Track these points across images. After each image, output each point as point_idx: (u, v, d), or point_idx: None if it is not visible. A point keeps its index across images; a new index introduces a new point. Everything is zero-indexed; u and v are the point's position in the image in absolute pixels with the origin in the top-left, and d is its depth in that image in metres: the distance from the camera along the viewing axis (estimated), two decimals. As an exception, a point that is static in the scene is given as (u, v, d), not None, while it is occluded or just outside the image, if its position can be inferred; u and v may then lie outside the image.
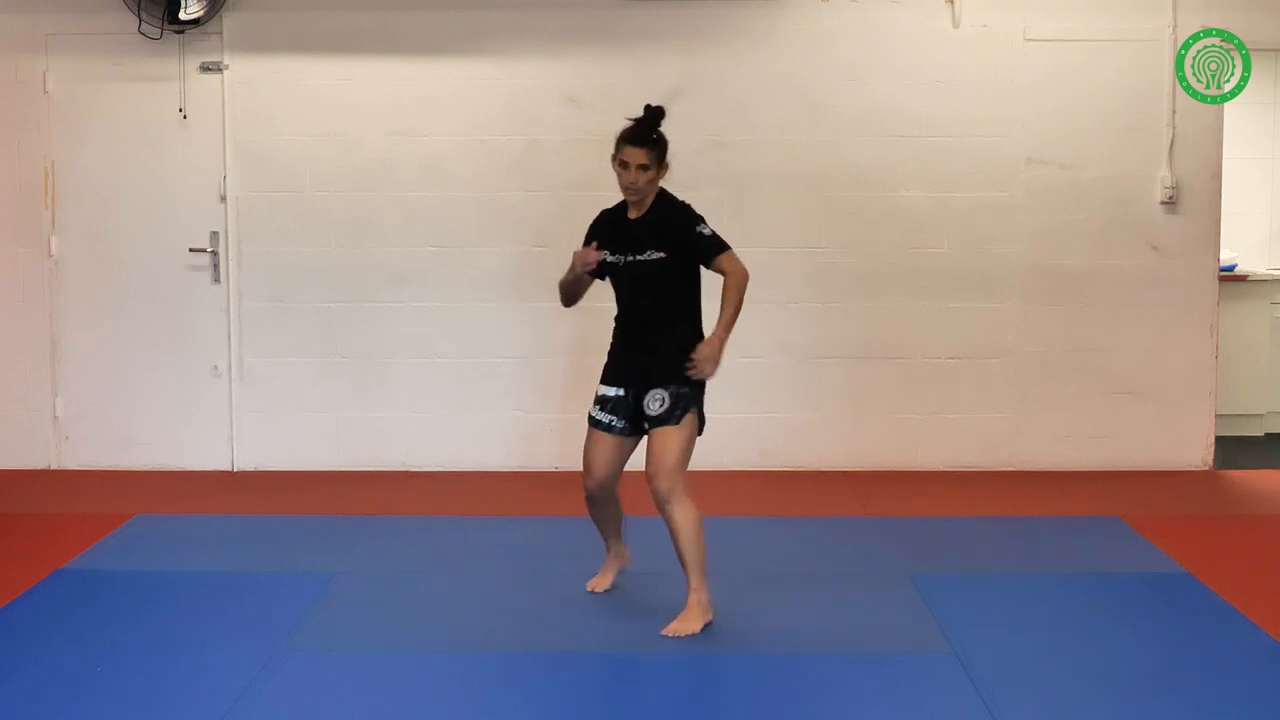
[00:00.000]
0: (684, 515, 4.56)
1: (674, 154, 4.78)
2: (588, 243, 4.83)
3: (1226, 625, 4.69)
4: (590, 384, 6.56)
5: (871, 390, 7.02)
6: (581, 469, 4.83)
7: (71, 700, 4.06)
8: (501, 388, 7.03)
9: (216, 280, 7.01)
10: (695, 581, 4.60)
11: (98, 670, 4.28)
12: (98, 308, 7.04)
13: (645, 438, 4.73)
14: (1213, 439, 7.08)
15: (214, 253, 6.99)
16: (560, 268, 6.85)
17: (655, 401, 4.63)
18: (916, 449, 7.04)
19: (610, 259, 4.75)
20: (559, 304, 7.19)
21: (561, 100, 6.91)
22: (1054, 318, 6.99)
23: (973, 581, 5.17)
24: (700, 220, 4.69)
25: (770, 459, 7.03)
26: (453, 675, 4.28)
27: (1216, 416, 7.11)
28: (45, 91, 6.96)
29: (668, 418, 4.61)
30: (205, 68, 6.92)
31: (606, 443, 4.75)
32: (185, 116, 6.94)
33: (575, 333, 6.87)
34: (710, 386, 5.28)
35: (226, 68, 6.92)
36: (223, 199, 6.97)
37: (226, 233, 6.98)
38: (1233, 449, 7.46)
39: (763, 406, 7.01)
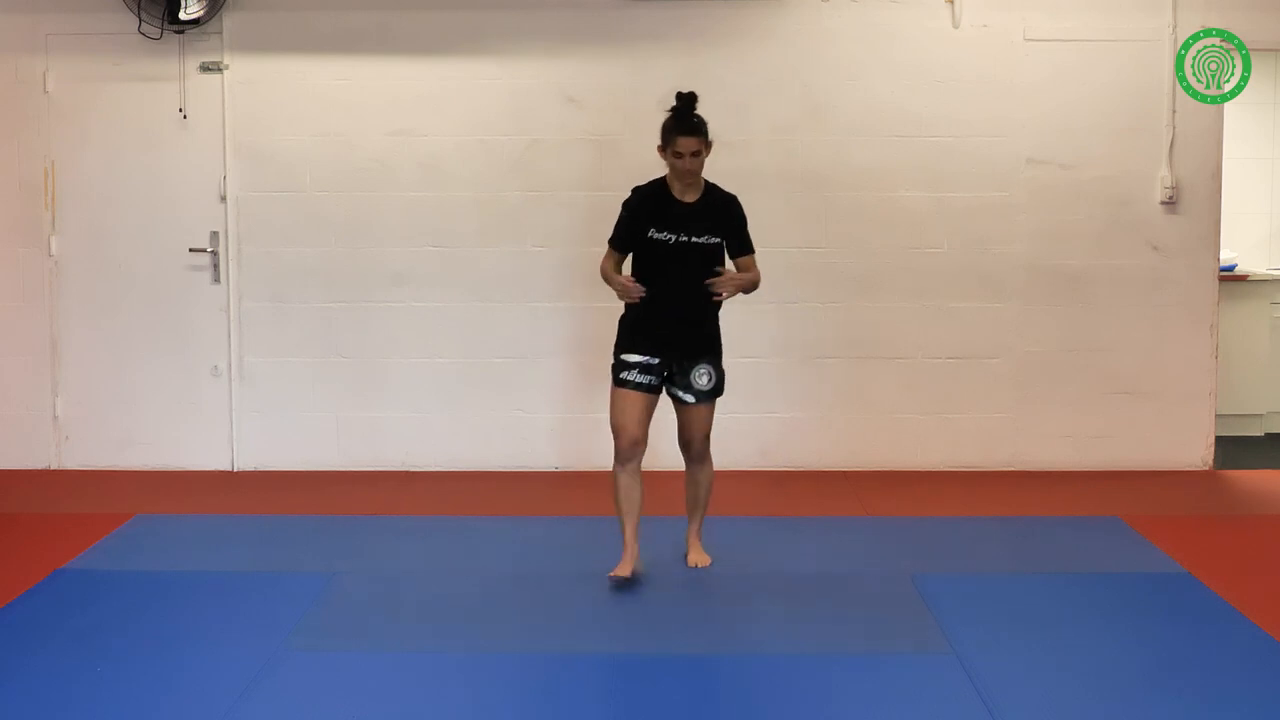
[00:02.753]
0: (710, 471, 5.32)
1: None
2: (630, 217, 5.07)
3: (1226, 625, 4.69)
4: (590, 384, 6.55)
5: (871, 390, 7.02)
6: (613, 434, 5.12)
7: (71, 700, 4.06)
8: (501, 388, 7.02)
9: (216, 280, 7.01)
10: (700, 526, 5.35)
11: (98, 670, 4.28)
12: (98, 308, 7.04)
13: (670, 400, 5.21)
14: (1213, 439, 7.08)
15: (214, 253, 6.99)
16: (560, 267, 6.90)
17: (704, 376, 5.13)
18: (916, 449, 7.04)
19: (657, 236, 5.02)
20: (559, 304, 7.24)
21: (561, 100, 6.90)
22: (1054, 318, 6.99)
23: (973, 581, 5.17)
24: (746, 218, 5.16)
25: (770, 459, 7.03)
26: (453, 675, 4.28)
27: (1216, 416, 7.11)
28: (45, 91, 6.96)
29: (714, 392, 5.18)
30: (205, 68, 6.91)
31: (640, 402, 5.10)
32: (185, 116, 6.94)
33: (575, 333, 6.87)
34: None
35: (226, 68, 6.92)
36: (223, 199, 6.97)
37: (226, 233, 6.98)
38: (1233, 449, 7.46)
39: (763, 406, 7.00)
